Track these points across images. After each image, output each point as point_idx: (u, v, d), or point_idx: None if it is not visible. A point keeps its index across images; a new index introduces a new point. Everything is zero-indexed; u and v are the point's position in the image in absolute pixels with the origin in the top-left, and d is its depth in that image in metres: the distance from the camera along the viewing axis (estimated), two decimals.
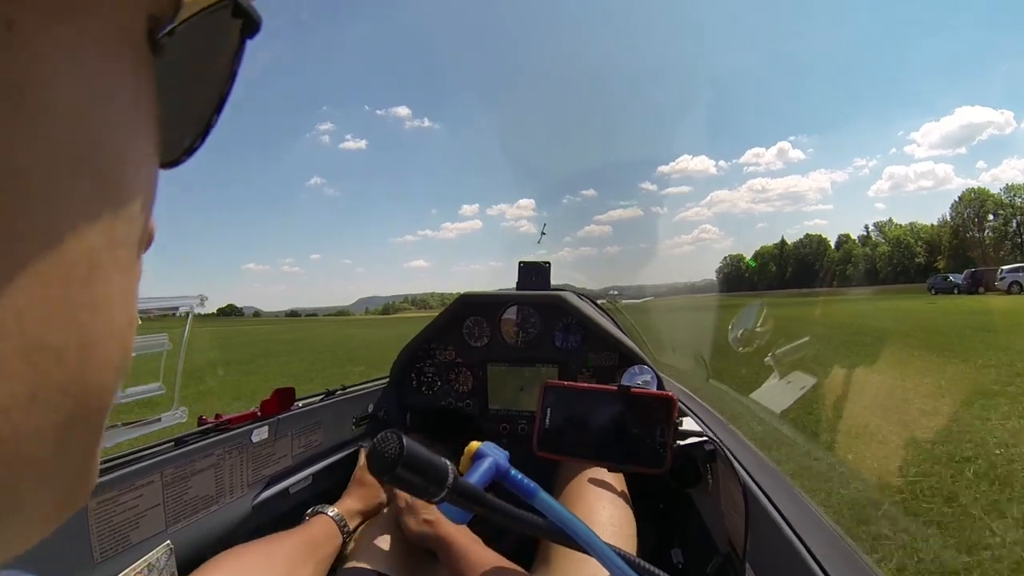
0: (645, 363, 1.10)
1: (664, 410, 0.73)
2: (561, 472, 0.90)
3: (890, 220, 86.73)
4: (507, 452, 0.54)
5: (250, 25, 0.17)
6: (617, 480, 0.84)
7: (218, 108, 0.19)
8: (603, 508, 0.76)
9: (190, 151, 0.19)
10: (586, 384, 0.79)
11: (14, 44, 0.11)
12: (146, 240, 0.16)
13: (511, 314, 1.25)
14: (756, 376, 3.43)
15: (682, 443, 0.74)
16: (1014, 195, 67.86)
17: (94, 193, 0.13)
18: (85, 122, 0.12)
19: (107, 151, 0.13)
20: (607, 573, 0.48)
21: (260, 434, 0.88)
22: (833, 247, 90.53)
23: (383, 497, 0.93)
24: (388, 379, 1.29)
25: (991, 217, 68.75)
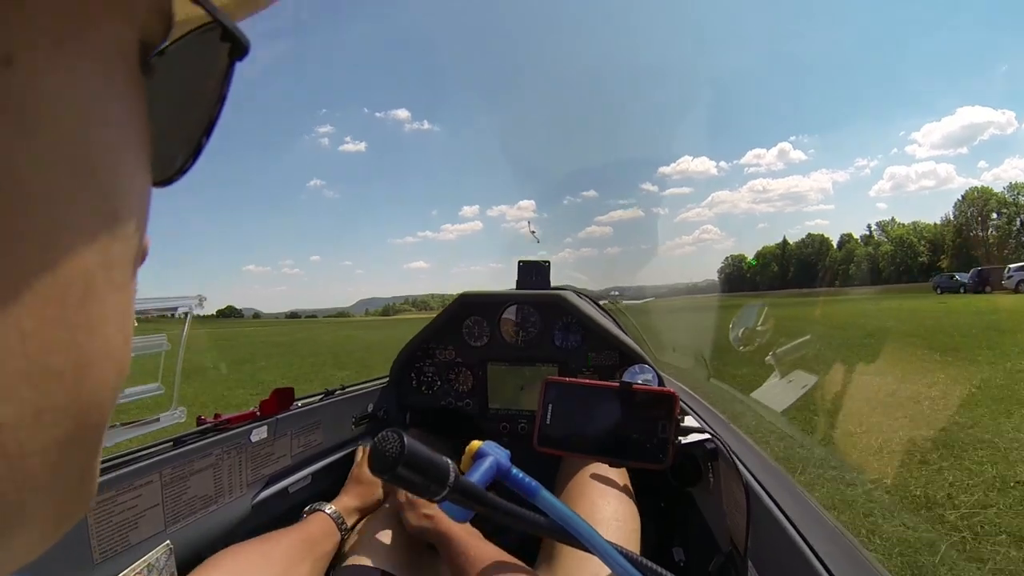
0: (646, 362, 1.09)
1: (666, 406, 0.72)
2: (563, 469, 0.90)
3: (892, 219, 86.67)
4: (508, 451, 0.54)
5: (238, 48, 0.18)
6: (620, 476, 0.84)
7: (208, 130, 0.19)
8: (607, 504, 0.76)
9: (182, 170, 0.20)
10: (587, 380, 0.78)
11: (14, 68, 0.11)
12: (140, 258, 0.16)
13: (511, 313, 1.24)
14: (755, 376, 3.38)
15: (683, 441, 0.74)
16: (1018, 194, 67.75)
17: (91, 214, 0.13)
18: (82, 143, 0.13)
19: (103, 171, 0.13)
20: (610, 571, 0.48)
21: (259, 434, 0.88)
22: (835, 247, 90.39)
23: (380, 494, 0.93)
24: (388, 379, 1.29)
25: (995, 216, 68.60)
